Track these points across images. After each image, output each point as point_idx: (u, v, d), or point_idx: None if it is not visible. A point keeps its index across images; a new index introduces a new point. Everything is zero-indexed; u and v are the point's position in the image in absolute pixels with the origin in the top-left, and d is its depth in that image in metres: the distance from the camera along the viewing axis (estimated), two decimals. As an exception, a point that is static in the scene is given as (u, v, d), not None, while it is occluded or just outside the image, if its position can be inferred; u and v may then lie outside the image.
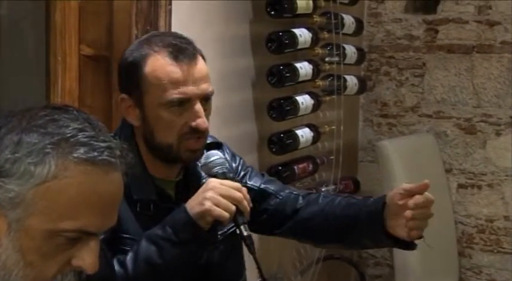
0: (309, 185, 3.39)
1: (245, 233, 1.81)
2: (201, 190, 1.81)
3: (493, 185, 3.65)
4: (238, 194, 1.81)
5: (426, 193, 1.90)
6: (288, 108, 3.08)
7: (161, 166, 1.92)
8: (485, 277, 3.70)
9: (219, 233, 1.93)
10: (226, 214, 1.77)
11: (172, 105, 1.83)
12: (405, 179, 3.35)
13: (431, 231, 3.38)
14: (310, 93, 3.22)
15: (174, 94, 1.83)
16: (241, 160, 2.13)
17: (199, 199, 1.79)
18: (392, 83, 3.87)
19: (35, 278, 1.19)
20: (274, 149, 3.11)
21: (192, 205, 1.79)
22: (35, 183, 1.16)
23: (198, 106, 1.85)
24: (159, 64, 1.84)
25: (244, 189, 1.84)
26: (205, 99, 1.88)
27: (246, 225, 1.82)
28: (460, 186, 3.73)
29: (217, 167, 1.88)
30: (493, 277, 3.69)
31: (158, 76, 1.83)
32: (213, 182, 1.82)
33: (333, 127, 3.42)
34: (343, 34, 3.40)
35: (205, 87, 1.87)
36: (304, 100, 3.15)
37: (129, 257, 1.78)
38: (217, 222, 1.80)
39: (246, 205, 1.82)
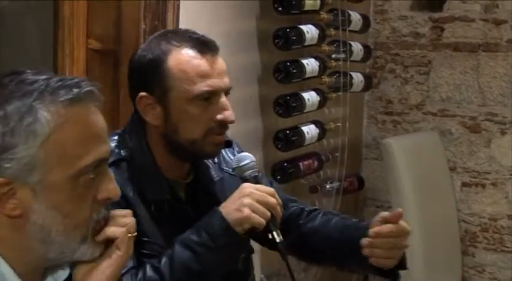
0: (313, 182, 3.40)
1: (278, 239, 1.78)
2: (236, 194, 1.78)
3: (497, 183, 3.65)
4: (273, 200, 1.78)
5: (400, 223, 1.86)
6: (294, 104, 3.08)
7: (174, 167, 1.89)
8: (488, 275, 3.70)
9: None
10: (264, 221, 1.76)
11: (200, 99, 1.80)
12: (409, 176, 3.36)
13: (435, 228, 3.42)
14: (316, 90, 3.21)
15: (203, 87, 1.79)
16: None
17: (237, 205, 1.76)
18: (397, 81, 3.87)
19: (76, 226, 1.26)
20: (279, 146, 3.11)
21: (229, 211, 1.76)
22: (41, 140, 1.22)
23: (224, 99, 1.83)
24: (185, 58, 1.80)
25: (276, 194, 1.82)
26: (227, 93, 1.86)
27: (279, 231, 1.79)
28: (464, 184, 3.72)
29: (250, 171, 1.85)
30: (496, 276, 3.68)
31: (185, 70, 1.80)
32: (249, 187, 1.79)
33: (339, 124, 3.42)
34: (350, 31, 3.39)
35: (227, 80, 1.85)
36: (310, 97, 3.14)
37: (164, 263, 1.75)
38: (253, 228, 1.78)
39: (279, 211, 1.80)
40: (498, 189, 3.65)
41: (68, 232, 1.26)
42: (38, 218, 1.24)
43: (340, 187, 3.44)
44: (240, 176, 1.86)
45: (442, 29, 3.74)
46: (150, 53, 1.83)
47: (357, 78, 3.48)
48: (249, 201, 1.75)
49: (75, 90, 1.25)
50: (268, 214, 1.76)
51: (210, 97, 1.81)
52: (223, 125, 1.84)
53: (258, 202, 1.76)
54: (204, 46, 1.83)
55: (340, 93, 3.36)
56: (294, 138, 3.10)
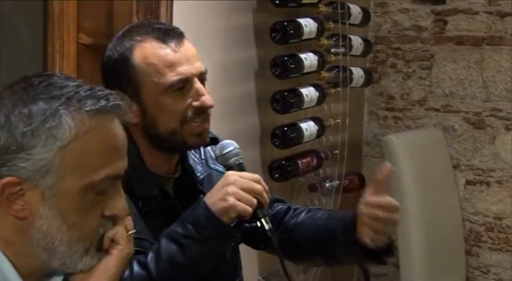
0: (312, 181, 3.40)
1: (267, 226, 1.77)
2: (220, 184, 1.77)
3: (502, 181, 3.63)
4: (258, 187, 1.77)
5: (390, 199, 1.86)
6: (292, 100, 3.07)
7: (161, 162, 1.88)
8: (493, 276, 3.69)
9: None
10: (250, 209, 1.74)
11: (173, 89, 1.79)
12: (411, 174, 3.36)
13: (438, 228, 3.39)
14: (315, 86, 3.20)
15: (173, 77, 1.78)
16: None
17: (221, 194, 1.74)
18: (398, 76, 3.85)
19: (80, 238, 1.27)
20: (277, 143, 3.09)
21: (214, 201, 1.74)
22: (60, 145, 1.23)
23: (198, 84, 1.82)
24: (149, 51, 1.80)
25: (262, 180, 1.80)
26: (201, 79, 1.84)
27: (267, 217, 1.78)
28: (468, 182, 3.71)
29: (233, 158, 1.84)
30: (501, 277, 3.67)
31: (151, 62, 1.79)
32: (233, 175, 1.78)
33: (338, 121, 3.40)
34: (350, 24, 3.38)
35: (199, 65, 1.83)
36: (308, 92, 3.14)
37: (150, 257, 1.73)
38: (240, 216, 1.76)
39: (266, 197, 1.79)
40: (503, 187, 3.63)
41: (71, 243, 1.27)
42: (43, 224, 1.25)
43: (340, 186, 3.42)
44: (224, 164, 1.85)
45: (445, 22, 3.72)
46: (116, 52, 1.83)
47: (357, 73, 3.46)
48: (233, 189, 1.74)
49: (103, 102, 1.26)
50: (255, 201, 1.75)
51: (184, 85, 1.80)
52: (202, 111, 1.82)
53: (243, 189, 1.74)
54: (167, 35, 1.82)
55: (339, 89, 3.34)
56: (292, 135, 3.09)
